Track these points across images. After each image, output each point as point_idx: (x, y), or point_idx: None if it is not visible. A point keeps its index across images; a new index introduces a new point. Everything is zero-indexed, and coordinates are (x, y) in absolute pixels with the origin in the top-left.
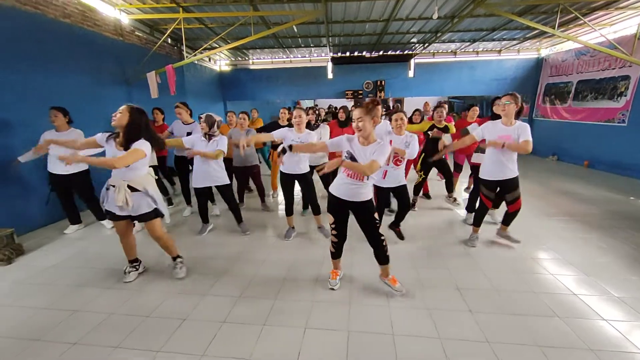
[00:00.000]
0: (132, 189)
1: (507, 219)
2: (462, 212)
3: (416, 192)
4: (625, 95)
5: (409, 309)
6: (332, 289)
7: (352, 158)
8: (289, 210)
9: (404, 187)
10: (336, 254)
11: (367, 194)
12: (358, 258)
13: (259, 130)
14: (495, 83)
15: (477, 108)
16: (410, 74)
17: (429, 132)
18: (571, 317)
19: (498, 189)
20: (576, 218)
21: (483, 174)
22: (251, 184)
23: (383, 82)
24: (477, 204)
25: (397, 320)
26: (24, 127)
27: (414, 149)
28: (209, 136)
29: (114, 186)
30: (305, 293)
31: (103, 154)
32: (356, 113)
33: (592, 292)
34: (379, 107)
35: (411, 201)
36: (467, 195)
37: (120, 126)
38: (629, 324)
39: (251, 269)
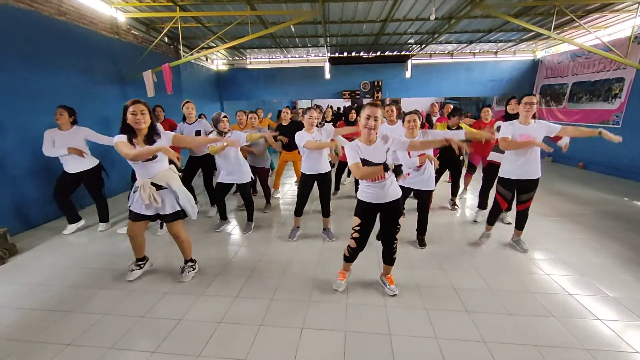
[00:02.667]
0: (157, 187)
1: (520, 221)
2: (467, 212)
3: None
4: (620, 97)
5: (406, 309)
6: (336, 290)
7: (366, 162)
8: (300, 211)
9: (429, 193)
10: (350, 258)
11: (395, 192)
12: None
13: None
14: (491, 84)
15: (489, 109)
16: (408, 74)
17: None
18: (566, 317)
19: (516, 188)
20: (571, 219)
21: (504, 173)
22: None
23: (380, 82)
24: (492, 203)
25: (394, 321)
26: (16, 126)
27: (429, 153)
28: (224, 134)
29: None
30: (302, 293)
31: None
32: (374, 110)
33: (587, 292)
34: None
35: None
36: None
37: (146, 127)
38: (623, 324)
39: (247, 269)
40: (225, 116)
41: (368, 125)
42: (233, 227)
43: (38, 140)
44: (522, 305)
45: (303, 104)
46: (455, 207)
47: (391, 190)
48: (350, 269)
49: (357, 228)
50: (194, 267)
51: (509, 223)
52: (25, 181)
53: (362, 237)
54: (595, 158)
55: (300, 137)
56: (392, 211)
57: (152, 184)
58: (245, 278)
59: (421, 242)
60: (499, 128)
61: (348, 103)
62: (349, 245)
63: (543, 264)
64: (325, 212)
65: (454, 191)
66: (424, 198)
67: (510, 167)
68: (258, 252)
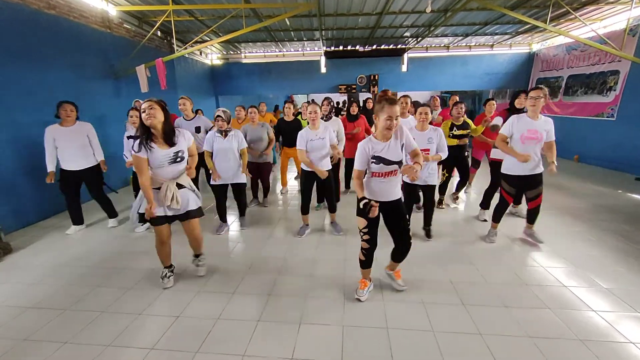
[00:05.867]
0: (179, 186)
1: (531, 217)
2: (463, 207)
3: (442, 192)
4: (615, 90)
5: (403, 303)
6: (359, 299)
7: (381, 159)
8: (306, 209)
9: (432, 187)
10: (367, 262)
11: (399, 191)
12: (351, 252)
13: (277, 134)
14: (487, 77)
15: (494, 102)
16: (404, 68)
17: (451, 133)
18: (561, 309)
19: (520, 185)
20: (566, 211)
21: (506, 169)
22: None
23: (376, 76)
24: (498, 200)
25: (391, 314)
26: (5, 123)
27: (442, 145)
28: (225, 132)
29: (157, 189)
30: (300, 289)
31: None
32: (395, 110)
33: (581, 284)
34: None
35: (437, 200)
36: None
37: (159, 123)
38: (616, 314)
39: (244, 265)
40: (218, 116)
41: (388, 127)
42: (230, 223)
43: (31, 137)
44: (517, 298)
45: (299, 98)
46: (458, 201)
47: (396, 189)
48: (370, 277)
49: (365, 230)
50: (205, 258)
51: (485, 220)
52: (18, 179)
53: (373, 237)
54: (591, 151)
55: (301, 140)
56: (396, 210)
57: (177, 184)
58: (243, 274)
59: (427, 233)
60: (494, 127)
61: (344, 97)
62: (362, 248)
63: (538, 256)
64: (331, 208)
65: (460, 186)
66: (428, 193)
67: (512, 163)
68: (255, 248)
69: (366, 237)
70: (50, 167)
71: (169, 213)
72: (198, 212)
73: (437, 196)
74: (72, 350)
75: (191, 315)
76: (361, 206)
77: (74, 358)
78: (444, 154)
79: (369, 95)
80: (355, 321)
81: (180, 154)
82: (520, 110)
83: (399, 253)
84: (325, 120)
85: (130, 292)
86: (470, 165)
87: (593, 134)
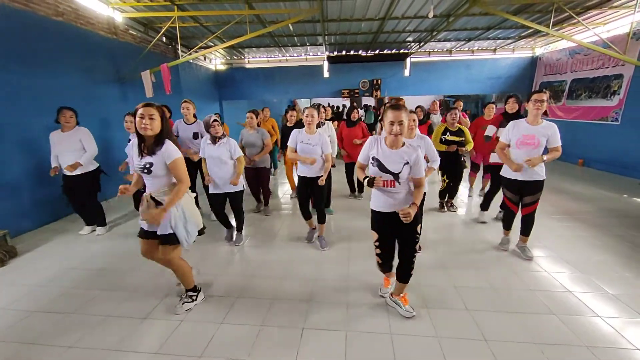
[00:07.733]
0: (156, 202)
1: (525, 226)
2: (463, 211)
3: (442, 197)
4: (619, 94)
5: None
6: (382, 297)
7: (378, 163)
8: (307, 215)
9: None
10: (383, 269)
11: (409, 198)
12: (355, 256)
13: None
14: (490, 82)
15: (494, 106)
16: (406, 72)
17: (443, 137)
18: (567, 315)
19: (519, 189)
20: (571, 216)
21: (505, 172)
22: None
23: (379, 81)
24: (503, 210)
25: (395, 320)
26: (14, 127)
27: (433, 155)
28: (216, 139)
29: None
30: (303, 294)
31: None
32: (399, 115)
33: (587, 290)
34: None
35: (438, 204)
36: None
37: (153, 134)
38: (623, 321)
39: (248, 270)
40: (215, 120)
41: (393, 132)
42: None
43: (38, 141)
44: (522, 303)
45: (302, 103)
46: (453, 208)
47: (404, 197)
48: (393, 274)
49: (377, 243)
50: (193, 297)
51: (484, 222)
52: (25, 183)
53: (386, 251)
54: (595, 155)
55: (292, 138)
56: (400, 221)
57: (152, 198)
58: (247, 280)
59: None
60: (487, 138)
61: (347, 102)
62: (377, 261)
63: (543, 261)
64: (320, 219)
65: (452, 194)
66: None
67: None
68: (259, 253)
69: (378, 250)
70: (54, 163)
71: (148, 228)
72: (169, 238)
73: (437, 201)
74: (77, 355)
75: (195, 319)
76: (366, 184)
77: None
78: (434, 163)
79: (372, 100)
80: (359, 326)
81: (147, 167)
82: (511, 115)
83: (401, 269)
84: (318, 127)
85: (134, 296)
86: (470, 169)
87: (597, 138)
